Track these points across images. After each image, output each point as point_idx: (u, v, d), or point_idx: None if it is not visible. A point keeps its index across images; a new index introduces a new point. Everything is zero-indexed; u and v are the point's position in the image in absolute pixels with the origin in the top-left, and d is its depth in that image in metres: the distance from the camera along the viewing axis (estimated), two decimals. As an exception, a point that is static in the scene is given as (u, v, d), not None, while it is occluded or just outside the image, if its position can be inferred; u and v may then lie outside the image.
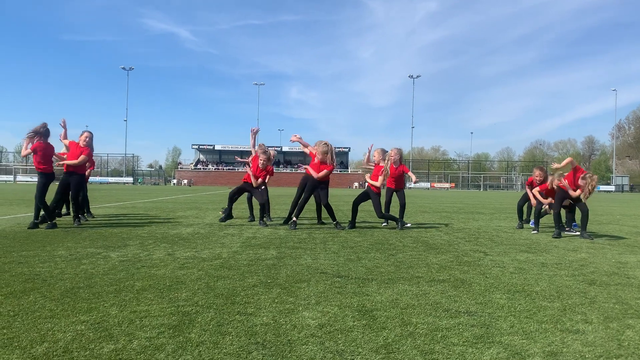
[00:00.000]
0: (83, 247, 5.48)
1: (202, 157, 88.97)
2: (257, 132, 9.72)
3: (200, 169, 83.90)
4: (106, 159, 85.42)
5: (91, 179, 10.20)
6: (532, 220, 9.23)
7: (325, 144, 8.02)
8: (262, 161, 8.50)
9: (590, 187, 7.20)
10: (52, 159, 7.75)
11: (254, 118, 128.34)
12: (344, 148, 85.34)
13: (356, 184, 73.68)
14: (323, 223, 8.82)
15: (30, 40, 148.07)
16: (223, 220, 8.35)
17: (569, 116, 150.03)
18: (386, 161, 8.06)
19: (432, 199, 25.64)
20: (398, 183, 8.96)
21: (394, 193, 9.06)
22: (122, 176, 79.20)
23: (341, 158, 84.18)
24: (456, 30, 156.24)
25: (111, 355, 2.20)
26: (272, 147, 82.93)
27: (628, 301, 3.41)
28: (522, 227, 8.92)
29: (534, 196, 8.48)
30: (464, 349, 2.37)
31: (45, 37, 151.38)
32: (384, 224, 8.93)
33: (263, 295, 3.33)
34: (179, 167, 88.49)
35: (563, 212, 8.06)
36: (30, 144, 7.37)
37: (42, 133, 7.40)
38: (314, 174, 8.00)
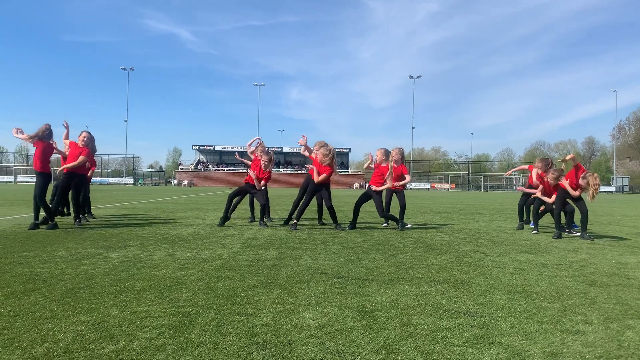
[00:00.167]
0: (83, 247, 5.49)
1: (202, 157, 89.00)
2: (259, 143, 9.65)
3: (200, 169, 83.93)
4: (107, 159, 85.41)
5: (92, 179, 10.20)
6: (532, 221, 9.24)
7: (328, 148, 7.98)
8: (264, 162, 8.49)
9: (594, 187, 7.16)
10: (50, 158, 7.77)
11: (254, 119, 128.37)
12: (344, 149, 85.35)
13: (356, 184, 73.67)
14: (324, 224, 8.83)
15: (30, 41, 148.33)
16: (221, 224, 8.30)
17: (569, 117, 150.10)
18: (390, 161, 8.11)
19: (432, 199, 25.64)
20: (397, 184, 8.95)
21: (394, 194, 9.06)
22: (122, 177, 79.24)
23: (341, 159, 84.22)
24: (456, 31, 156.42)
25: (111, 355, 2.20)
26: (272, 147, 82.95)
27: (628, 302, 3.41)
28: (522, 228, 8.92)
29: (538, 195, 8.50)
30: (464, 349, 2.37)
31: (45, 37, 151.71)
32: (384, 225, 8.93)
33: (263, 296, 3.33)
34: (179, 167, 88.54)
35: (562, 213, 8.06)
36: (30, 142, 7.41)
37: (43, 136, 7.43)
38: (315, 177, 8.00)
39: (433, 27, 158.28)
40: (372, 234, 7.43)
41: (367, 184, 8.29)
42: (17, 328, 2.55)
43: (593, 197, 7.23)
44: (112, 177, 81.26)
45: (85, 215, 9.13)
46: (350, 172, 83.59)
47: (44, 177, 7.44)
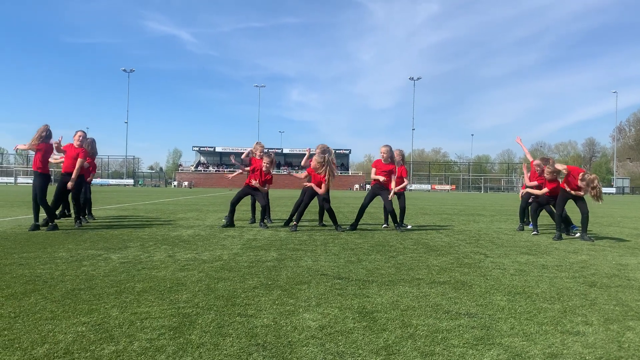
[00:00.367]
0: (84, 248, 5.49)
1: (202, 158, 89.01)
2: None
3: (200, 170, 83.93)
4: (107, 161, 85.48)
5: (92, 181, 10.19)
6: (531, 222, 9.24)
7: (322, 157, 7.92)
8: (266, 164, 8.48)
9: (592, 187, 7.15)
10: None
11: (254, 120, 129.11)
12: (345, 150, 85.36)
13: (357, 185, 73.65)
14: (324, 225, 8.83)
15: (31, 42, 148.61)
16: (225, 226, 8.33)
17: (570, 118, 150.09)
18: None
19: (432, 200, 25.64)
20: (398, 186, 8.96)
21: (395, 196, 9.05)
22: (122, 178, 79.29)
23: (342, 160, 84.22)
24: (457, 32, 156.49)
25: (112, 356, 2.20)
26: (272, 149, 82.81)
27: (628, 303, 3.41)
28: (522, 229, 8.91)
29: (529, 190, 8.53)
30: (465, 350, 2.37)
31: (46, 39, 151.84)
32: (384, 226, 8.93)
33: (263, 297, 3.33)
34: (179, 169, 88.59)
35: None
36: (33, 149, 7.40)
37: (45, 137, 7.44)
38: (317, 190, 7.98)
39: (433, 29, 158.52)
40: (372, 236, 7.43)
41: (367, 185, 8.32)
42: (18, 329, 2.55)
43: (597, 198, 7.19)
44: (112, 178, 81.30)
45: (86, 216, 9.13)
46: (350, 174, 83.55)
47: (43, 177, 7.44)
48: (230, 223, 8.37)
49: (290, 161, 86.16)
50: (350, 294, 3.49)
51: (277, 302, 3.20)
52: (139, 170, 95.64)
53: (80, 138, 8.05)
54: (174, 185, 75.33)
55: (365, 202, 8.28)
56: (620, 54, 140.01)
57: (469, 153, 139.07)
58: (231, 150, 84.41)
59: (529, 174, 8.93)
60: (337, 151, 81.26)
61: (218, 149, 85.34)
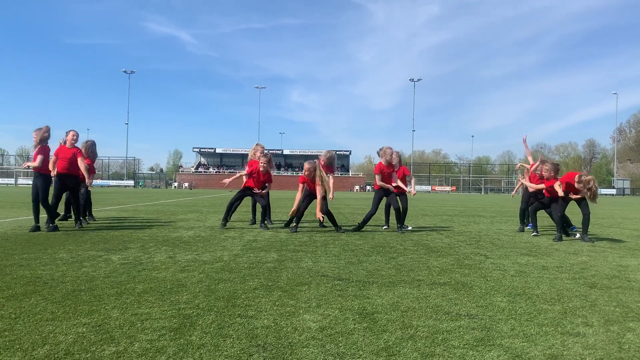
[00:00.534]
0: (84, 249, 5.49)
1: (203, 160, 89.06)
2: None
3: (201, 172, 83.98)
4: (107, 162, 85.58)
5: (92, 182, 10.24)
6: (530, 223, 9.23)
7: (312, 164, 7.94)
8: (263, 164, 8.48)
9: (588, 189, 7.16)
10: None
11: (255, 121, 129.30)
12: (345, 151, 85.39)
13: (357, 187, 73.65)
14: (324, 226, 8.83)
15: (31, 43, 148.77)
16: (223, 225, 8.34)
17: (570, 119, 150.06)
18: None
19: (433, 202, 25.64)
20: (400, 187, 8.96)
21: (397, 197, 9.05)
22: (123, 179, 79.34)
23: (342, 161, 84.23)
24: (457, 33, 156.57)
25: (112, 357, 2.20)
26: (273, 150, 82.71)
27: (629, 304, 3.41)
28: (523, 231, 8.91)
29: (529, 185, 8.56)
30: (465, 351, 2.37)
31: (46, 40, 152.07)
32: (384, 227, 8.93)
33: (264, 298, 3.33)
34: (180, 170, 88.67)
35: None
36: (34, 151, 7.41)
37: (46, 138, 7.48)
38: (319, 195, 7.99)
39: (434, 30, 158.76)
40: (372, 237, 7.43)
41: (368, 187, 8.34)
42: (18, 330, 2.55)
43: (592, 199, 7.23)
44: (113, 179, 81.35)
45: (86, 217, 9.14)
46: (350, 175, 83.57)
47: (44, 178, 7.45)
48: (224, 224, 8.34)
49: (290, 162, 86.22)
50: (350, 295, 3.49)
51: (277, 303, 3.20)
52: (140, 172, 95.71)
53: (75, 137, 8.01)
54: (175, 187, 75.37)
55: (375, 210, 8.28)
56: (621, 55, 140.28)
57: (469, 154, 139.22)
58: (231, 152, 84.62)
59: (527, 178, 8.94)
60: (337, 152, 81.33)
61: (218, 150, 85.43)
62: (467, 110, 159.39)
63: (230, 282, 3.83)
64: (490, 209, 18.30)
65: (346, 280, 4.03)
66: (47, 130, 7.51)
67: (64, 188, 7.92)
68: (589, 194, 7.18)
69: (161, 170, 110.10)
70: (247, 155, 9.61)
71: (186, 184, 73.46)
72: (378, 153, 8.52)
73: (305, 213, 8.34)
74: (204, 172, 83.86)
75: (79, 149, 8.04)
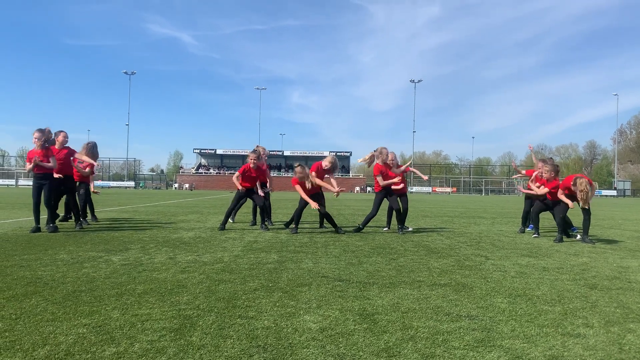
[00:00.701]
0: (85, 250, 5.50)
1: (203, 161, 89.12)
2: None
3: (201, 173, 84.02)
4: (108, 163, 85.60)
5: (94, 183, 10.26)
6: (531, 225, 9.22)
7: (301, 168, 7.99)
8: (252, 160, 8.41)
9: (580, 191, 7.17)
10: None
11: (255, 122, 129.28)
12: (346, 152, 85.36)
13: (357, 188, 73.64)
14: (325, 227, 8.83)
15: (32, 44, 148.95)
16: (221, 228, 8.31)
17: (571, 121, 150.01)
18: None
19: (433, 203, 25.63)
20: (401, 188, 8.96)
21: (398, 198, 9.05)
22: (123, 180, 79.40)
23: (342, 162, 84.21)
24: (458, 34, 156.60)
25: (112, 358, 2.20)
26: (274, 151, 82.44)
27: (629, 305, 3.41)
28: (523, 232, 8.91)
29: (531, 191, 8.55)
30: (465, 352, 2.37)
31: (47, 41, 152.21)
32: (385, 229, 8.93)
33: (264, 299, 3.34)
34: (180, 171, 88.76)
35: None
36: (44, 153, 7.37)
37: (52, 140, 7.57)
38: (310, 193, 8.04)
39: (434, 31, 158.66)
40: (373, 238, 7.43)
41: (368, 188, 8.36)
42: (19, 330, 2.55)
43: (584, 201, 7.22)
44: (113, 180, 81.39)
45: (87, 218, 9.15)
46: (351, 176, 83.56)
47: (56, 180, 7.59)
48: (222, 226, 8.32)
49: (291, 163, 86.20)
50: (351, 296, 3.49)
51: (277, 304, 3.20)
52: (140, 173, 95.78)
53: (65, 138, 8.03)
54: (175, 188, 75.39)
55: (376, 211, 8.29)
56: (621, 56, 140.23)
57: (470, 155, 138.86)
58: (232, 153, 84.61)
59: (533, 182, 8.93)
60: (337, 154, 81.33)
61: (219, 152, 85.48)
62: (468, 111, 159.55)
63: (231, 283, 3.83)
64: (490, 210, 18.30)
65: (346, 281, 4.03)
66: (49, 131, 7.56)
67: (59, 189, 7.96)
68: (580, 195, 7.20)
69: (162, 171, 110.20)
70: (247, 156, 9.60)
71: (187, 185, 73.50)
72: (374, 154, 8.56)
73: (304, 213, 8.33)
74: (205, 173, 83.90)
75: (70, 148, 8.08)
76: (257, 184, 8.48)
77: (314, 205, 7.81)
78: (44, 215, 7.58)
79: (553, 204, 7.96)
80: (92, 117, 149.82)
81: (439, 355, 2.32)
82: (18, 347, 2.32)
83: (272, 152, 79.27)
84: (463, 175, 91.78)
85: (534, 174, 8.78)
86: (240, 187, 8.35)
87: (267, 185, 9.29)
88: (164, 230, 8.09)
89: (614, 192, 70.68)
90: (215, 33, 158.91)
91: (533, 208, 8.38)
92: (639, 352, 2.46)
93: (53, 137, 7.71)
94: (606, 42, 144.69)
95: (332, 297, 3.45)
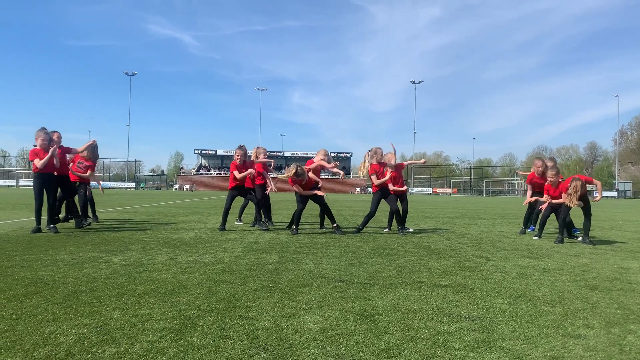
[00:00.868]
0: (85, 251, 5.50)
1: (204, 162, 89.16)
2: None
3: (202, 173, 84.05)
4: (108, 164, 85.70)
5: (93, 183, 10.31)
6: (532, 226, 9.22)
7: (291, 169, 7.99)
8: (238, 157, 8.33)
9: (568, 193, 7.18)
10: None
11: (256, 123, 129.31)
12: (346, 153, 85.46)
13: (358, 189, 73.64)
14: (325, 228, 8.83)
15: (33, 44, 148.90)
16: (221, 229, 8.31)
17: (571, 122, 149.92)
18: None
19: (434, 204, 25.62)
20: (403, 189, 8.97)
21: (398, 199, 9.05)
22: (124, 181, 79.42)
23: (343, 163, 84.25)
24: (458, 36, 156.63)
25: (113, 358, 2.20)
26: (274, 151, 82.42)
27: (630, 306, 3.41)
28: (524, 233, 8.90)
29: (535, 197, 8.54)
30: (465, 353, 2.37)
31: (48, 41, 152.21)
32: (385, 230, 8.93)
33: (265, 300, 3.34)
34: (181, 172, 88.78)
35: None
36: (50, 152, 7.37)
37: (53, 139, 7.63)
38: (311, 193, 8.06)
39: (435, 32, 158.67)
40: (373, 239, 7.43)
41: (369, 189, 8.37)
42: (19, 331, 2.56)
43: (570, 201, 7.21)
44: (114, 181, 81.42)
45: (87, 218, 9.15)
46: (352, 177, 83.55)
47: (63, 178, 7.71)
48: (222, 227, 8.30)
49: (291, 164, 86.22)
50: (351, 296, 3.49)
51: (278, 305, 3.20)
52: (141, 173, 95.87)
53: (59, 138, 8.05)
54: (176, 188, 75.42)
55: (374, 211, 8.29)
56: (622, 57, 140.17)
57: (470, 156, 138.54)
58: (232, 154, 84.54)
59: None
60: (338, 154, 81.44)
61: (219, 152, 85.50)
62: (469, 112, 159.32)
63: (231, 284, 3.83)
64: (491, 211, 18.29)
65: (347, 282, 4.03)
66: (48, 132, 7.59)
67: (56, 189, 7.99)
68: (568, 197, 7.20)
69: (162, 172, 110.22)
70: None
71: (187, 186, 73.52)
72: (369, 154, 8.60)
73: (305, 214, 8.33)
74: (205, 174, 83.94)
75: (64, 147, 8.10)
76: (268, 179, 8.60)
77: (320, 192, 7.94)
78: (44, 216, 7.59)
79: (559, 205, 7.97)
80: (92, 118, 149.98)
81: (439, 356, 2.32)
82: (19, 347, 2.32)
83: (273, 153, 79.25)
84: (464, 177, 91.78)
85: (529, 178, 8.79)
86: (238, 176, 8.27)
87: (267, 185, 9.31)
88: (165, 230, 8.09)
89: (614, 194, 70.61)
90: (215, 34, 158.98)
91: (543, 213, 8.31)
92: (639, 353, 2.45)
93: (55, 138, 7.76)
94: (607, 43, 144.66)
95: (333, 297, 3.45)
